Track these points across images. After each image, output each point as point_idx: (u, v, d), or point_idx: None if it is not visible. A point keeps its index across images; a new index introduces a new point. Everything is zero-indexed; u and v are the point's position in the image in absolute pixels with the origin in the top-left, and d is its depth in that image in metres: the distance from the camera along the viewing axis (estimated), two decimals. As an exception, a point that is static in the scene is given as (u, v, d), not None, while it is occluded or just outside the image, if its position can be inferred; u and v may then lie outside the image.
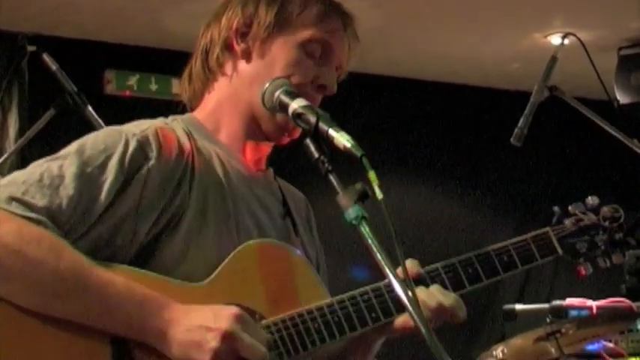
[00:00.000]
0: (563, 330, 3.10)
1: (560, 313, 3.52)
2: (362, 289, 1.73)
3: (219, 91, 1.84)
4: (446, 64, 5.75)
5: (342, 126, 1.58)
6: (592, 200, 1.93)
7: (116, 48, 5.02)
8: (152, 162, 1.66)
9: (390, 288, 1.70)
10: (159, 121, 1.78)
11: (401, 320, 1.74)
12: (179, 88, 1.92)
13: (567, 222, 1.90)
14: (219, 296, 1.63)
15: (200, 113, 1.85)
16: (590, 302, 3.58)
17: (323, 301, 1.70)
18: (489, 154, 5.93)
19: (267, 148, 1.85)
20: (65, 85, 3.01)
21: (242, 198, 1.76)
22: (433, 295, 1.73)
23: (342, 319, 1.68)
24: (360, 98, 5.70)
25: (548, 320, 3.29)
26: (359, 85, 5.79)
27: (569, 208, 1.92)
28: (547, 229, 1.88)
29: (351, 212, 1.48)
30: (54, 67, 3.05)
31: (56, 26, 4.73)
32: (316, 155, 1.57)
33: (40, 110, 3.10)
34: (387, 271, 1.44)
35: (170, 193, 1.67)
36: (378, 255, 1.45)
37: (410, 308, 1.40)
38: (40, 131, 3.11)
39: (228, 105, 1.82)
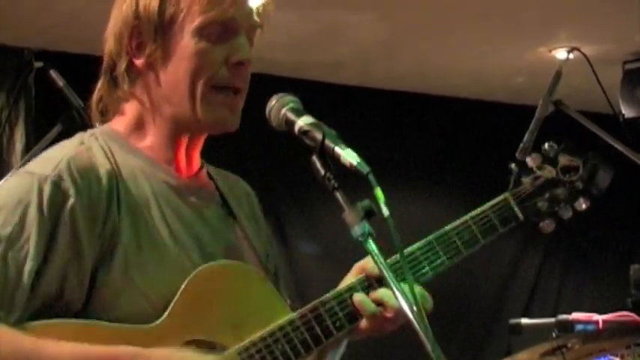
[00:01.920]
0: (569, 344, 3.09)
1: (567, 328, 3.51)
2: (324, 298, 1.72)
3: (136, 104, 1.75)
4: (450, 77, 5.76)
5: (346, 140, 1.58)
6: (550, 148, 1.86)
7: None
8: (72, 200, 1.57)
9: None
10: (72, 146, 1.68)
11: (364, 322, 1.73)
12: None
13: (525, 181, 1.85)
14: (176, 335, 1.58)
15: (119, 124, 1.76)
16: (596, 316, 3.57)
17: (284, 319, 1.67)
18: (494, 168, 5.93)
19: (196, 148, 1.79)
20: (72, 100, 3.02)
21: (175, 213, 1.69)
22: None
23: (307, 334, 1.66)
24: (364, 112, 5.71)
25: (554, 335, 3.28)
26: (363, 99, 5.84)
27: (527, 160, 1.85)
28: (506, 194, 1.83)
29: (358, 229, 1.48)
30: (61, 83, 3.05)
31: (63, 41, 4.75)
32: (322, 172, 1.56)
33: (47, 126, 3.11)
34: (394, 286, 1.45)
35: (100, 225, 1.59)
36: (385, 272, 1.46)
37: (416, 324, 1.40)
38: (47, 147, 3.08)
39: (148, 118, 1.74)
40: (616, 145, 3.00)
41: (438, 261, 1.83)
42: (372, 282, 1.76)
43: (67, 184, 1.58)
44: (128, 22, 1.70)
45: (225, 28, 1.70)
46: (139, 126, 1.75)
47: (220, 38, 1.70)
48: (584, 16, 4.78)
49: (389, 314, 1.72)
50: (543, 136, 3.19)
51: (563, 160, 1.84)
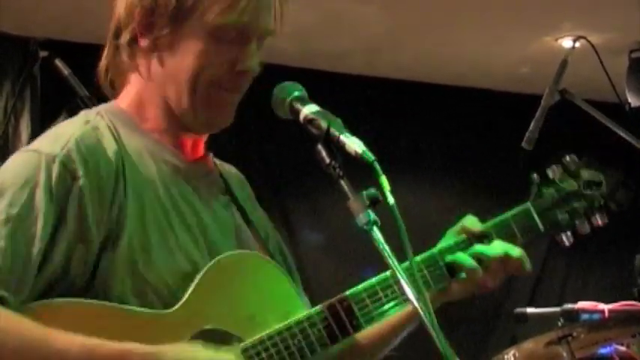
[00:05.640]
0: (574, 333, 3.10)
1: (572, 317, 3.51)
2: (338, 297, 1.70)
3: (138, 83, 1.72)
4: (456, 67, 5.75)
5: (351, 130, 1.58)
6: (571, 161, 1.86)
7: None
8: (82, 180, 1.55)
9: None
10: (79, 124, 1.65)
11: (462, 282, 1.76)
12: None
13: (547, 192, 1.84)
14: (191, 323, 1.58)
15: (124, 101, 1.74)
16: (602, 306, 3.57)
17: (301, 314, 1.66)
18: (500, 158, 5.92)
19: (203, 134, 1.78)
20: (77, 89, 3.02)
21: (182, 197, 1.68)
22: (498, 246, 1.74)
23: (323, 331, 1.65)
24: (369, 102, 5.70)
25: (559, 324, 3.29)
26: (368, 88, 5.83)
27: (548, 173, 1.85)
28: (527, 204, 1.82)
29: (363, 218, 1.48)
30: (66, 72, 3.05)
31: (68, 31, 4.75)
32: (328, 161, 1.56)
33: (52, 115, 3.11)
34: (399, 275, 1.45)
35: (107, 207, 1.56)
36: (390, 260, 1.46)
37: (422, 314, 1.40)
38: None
39: (148, 99, 1.72)
40: (622, 134, 2.98)
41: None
42: (472, 240, 1.78)
43: (76, 165, 1.56)
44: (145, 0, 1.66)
45: (238, 35, 1.66)
46: (141, 103, 1.72)
47: (232, 43, 1.67)
48: (590, 5, 4.76)
49: (490, 268, 1.73)
50: (549, 125, 3.19)
51: (586, 174, 1.84)
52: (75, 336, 1.47)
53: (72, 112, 3.01)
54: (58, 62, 3.08)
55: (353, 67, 5.71)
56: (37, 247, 1.51)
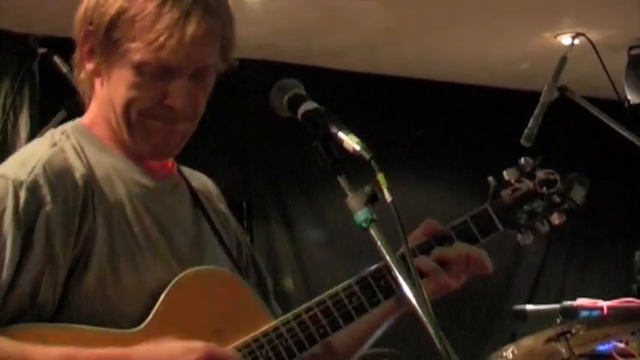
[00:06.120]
0: (573, 330, 3.10)
1: (571, 314, 3.52)
2: (317, 299, 1.70)
3: (96, 101, 1.71)
4: (455, 64, 5.74)
5: (351, 127, 1.58)
6: (525, 163, 1.86)
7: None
8: (49, 206, 1.54)
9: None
10: (46, 147, 1.63)
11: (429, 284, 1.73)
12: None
13: (504, 194, 1.84)
14: (160, 339, 1.57)
15: (88, 117, 1.72)
16: (601, 302, 3.58)
17: (268, 325, 1.66)
18: (498, 154, 5.92)
19: None
20: (76, 86, 3.02)
21: (151, 215, 1.67)
22: (459, 248, 1.75)
23: (291, 342, 1.65)
24: (368, 99, 5.70)
25: (558, 321, 3.29)
26: (368, 85, 5.83)
27: (504, 174, 1.85)
28: (485, 205, 1.82)
29: (361, 215, 1.48)
30: (65, 69, 3.05)
31: (67, 28, 4.74)
32: (326, 158, 1.56)
33: (51, 112, 3.11)
34: (397, 273, 1.45)
35: (75, 231, 1.56)
36: (388, 257, 1.46)
37: (420, 311, 1.40)
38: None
39: (105, 120, 1.69)
40: (621, 131, 2.99)
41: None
42: (433, 243, 1.77)
43: (43, 191, 1.55)
44: (84, 23, 1.66)
45: (163, 71, 1.61)
46: (101, 122, 1.70)
47: (158, 78, 1.62)
48: (589, 2, 4.76)
49: (452, 269, 1.73)
50: (548, 121, 3.19)
51: (541, 174, 1.85)
52: (51, 347, 1.49)
53: (70, 109, 3.03)
54: (57, 59, 3.08)
55: (353, 64, 5.71)
56: (4, 275, 1.50)
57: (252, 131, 5.21)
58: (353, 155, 1.52)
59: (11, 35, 4.64)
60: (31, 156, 1.61)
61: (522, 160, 1.86)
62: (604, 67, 3.40)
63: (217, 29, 1.64)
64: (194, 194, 1.81)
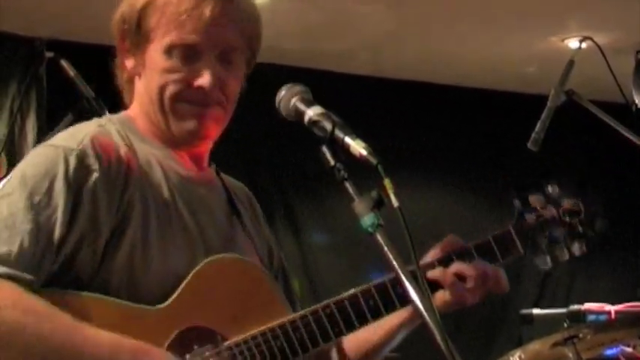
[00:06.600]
0: (580, 335, 3.09)
1: (578, 318, 3.50)
2: (325, 302, 1.73)
3: (138, 96, 1.83)
4: (461, 67, 5.74)
5: (356, 130, 1.58)
6: (552, 190, 1.91)
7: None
8: (96, 174, 1.65)
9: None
10: (93, 126, 1.76)
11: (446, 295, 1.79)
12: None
13: (528, 217, 1.89)
14: (180, 320, 1.64)
15: (133, 111, 1.84)
16: (608, 307, 3.56)
17: (285, 317, 1.70)
18: (505, 158, 5.92)
19: (205, 146, 1.85)
20: (83, 90, 3.02)
21: (184, 201, 1.76)
22: (478, 264, 1.79)
23: (305, 335, 1.69)
24: (373, 102, 5.70)
25: (565, 325, 3.28)
26: (373, 88, 5.82)
27: (530, 200, 1.90)
28: (509, 227, 1.87)
29: (367, 220, 1.48)
30: (72, 72, 3.06)
31: (74, 31, 4.75)
32: (332, 162, 1.57)
33: (58, 116, 3.11)
34: (403, 277, 1.45)
35: (117, 202, 1.66)
36: (394, 262, 1.46)
37: (426, 315, 1.40)
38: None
39: (147, 112, 1.81)
40: (628, 135, 2.97)
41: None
42: (453, 258, 1.81)
43: (91, 160, 1.65)
44: (120, 24, 1.79)
45: (188, 52, 1.74)
46: (145, 122, 1.81)
47: (186, 59, 1.74)
48: (596, 5, 4.75)
49: (469, 284, 1.77)
50: (555, 125, 3.18)
51: (567, 203, 1.89)
52: (100, 330, 1.55)
53: (78, 113, 3.04)
54: (64, 63, 3.09)
55: (357, 67, 5.71)
56: (57, 234, 1.59)
57: (258, 135, 5.21)
58: (359, 160, 1.52)
59: (18, 39, 4.66)
60: (79, 131, 1.72)
61: (550, 187, 1.90)
62: (611, 70, 3.39)
63: (235, 14, 1.76)
64: (230, 198, 1.88)
